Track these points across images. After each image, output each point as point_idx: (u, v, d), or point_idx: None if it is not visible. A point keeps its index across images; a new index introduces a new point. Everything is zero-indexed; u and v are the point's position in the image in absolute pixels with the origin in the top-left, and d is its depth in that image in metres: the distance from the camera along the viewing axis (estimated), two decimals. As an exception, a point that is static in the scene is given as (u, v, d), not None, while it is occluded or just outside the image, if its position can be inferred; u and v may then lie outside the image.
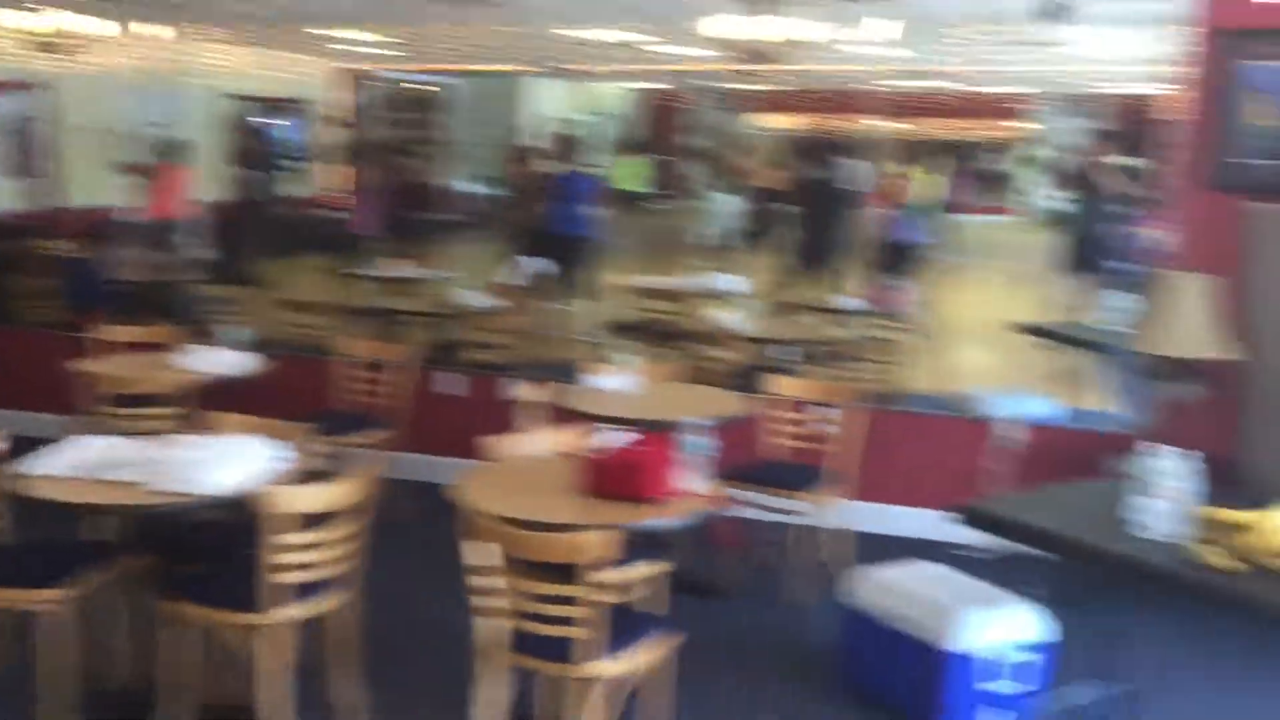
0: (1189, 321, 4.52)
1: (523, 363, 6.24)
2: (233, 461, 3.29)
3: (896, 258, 8.15)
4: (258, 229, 9.88)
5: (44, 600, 3.28)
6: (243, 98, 12.38)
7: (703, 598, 4.51)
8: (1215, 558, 2.91)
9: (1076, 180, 7.32)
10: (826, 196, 7.60)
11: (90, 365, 4.82)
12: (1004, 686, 3.57)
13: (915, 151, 9.24)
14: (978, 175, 9.90)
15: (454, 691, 3.42)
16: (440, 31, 9.39)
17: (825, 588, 4.39)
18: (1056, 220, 8.34)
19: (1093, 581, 3.57)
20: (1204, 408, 4.76)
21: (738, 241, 9.60)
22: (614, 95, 14.79)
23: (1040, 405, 5.57)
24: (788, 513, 4.69)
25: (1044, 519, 3.38)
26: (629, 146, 13.98)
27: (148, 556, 3.45)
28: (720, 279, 7.71)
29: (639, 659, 3.07)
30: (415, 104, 14.22)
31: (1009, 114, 8.86)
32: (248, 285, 8.10)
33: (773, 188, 8.37)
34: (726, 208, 9.81)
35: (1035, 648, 3.60)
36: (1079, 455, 4.78)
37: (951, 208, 9.31)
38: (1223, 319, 4.52)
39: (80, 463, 3.36)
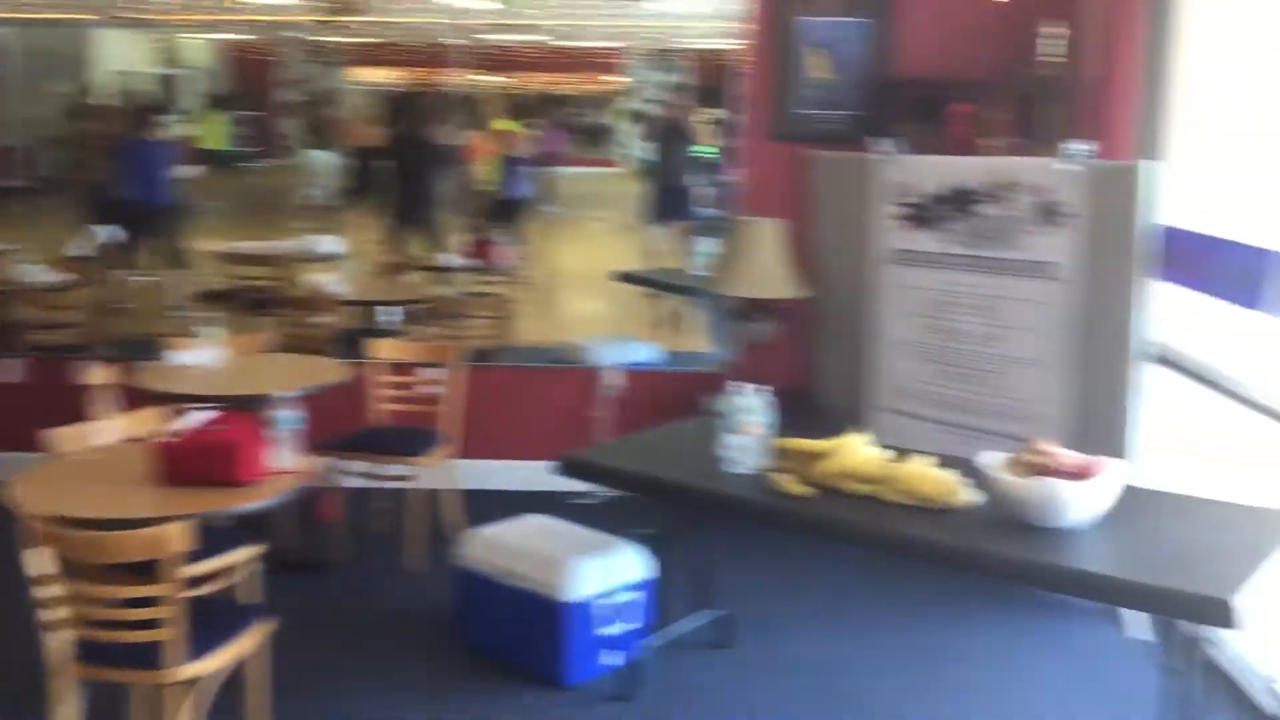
0: (762, 264, 4.83)
1: (97, 342, 5.68)
2: None
3: (500, 213, 8.14)
4: None
5: None
6: None
7: (307, 574, 4.32)
8: (790, 485, 3.11)
9: (663, 132, 7.62)
10: (422, 153, 7.45)
11: None
12: (616, 628, 3.67)
13: (514, 106, 9.27)
14: (579, 129, 10.10)
15: (31, 697, 3.05)
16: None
17: (442, 552, 4.32)
18: (648, 171, 8.64)
19: (691, 517, 3.74)
20: (782, 345, 5.12)
21: (337, 201, 9.24)
22: (196, 48, 13.75)
23: (643, 351, 5.78)
24: (399, 478, 4.58)
25: (639, 463, 3.49)
26: (212, 102, 13.07)
27: None
28: (318, 241, 7.38)
29: (231, 653, 2.86)
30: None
31: (606, 69, 9.04)
32: None
33: (368, 144, 8.10)
34: (323, 166, 9.40)
35: (640, 586, 3.72)
36: (679, 396, 5.00)
37: (552, 161, 9.44)
38: (792, 260, 4.85)
39: None
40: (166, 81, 13.98)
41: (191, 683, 2.76)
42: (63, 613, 2.69)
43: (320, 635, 3.87)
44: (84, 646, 2.73)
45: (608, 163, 9.78)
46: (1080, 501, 2.77)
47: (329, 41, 10.58)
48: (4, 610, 3.54)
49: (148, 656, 2.69)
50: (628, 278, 6.92)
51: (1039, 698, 3.61)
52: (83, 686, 2.79)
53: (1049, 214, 4.11)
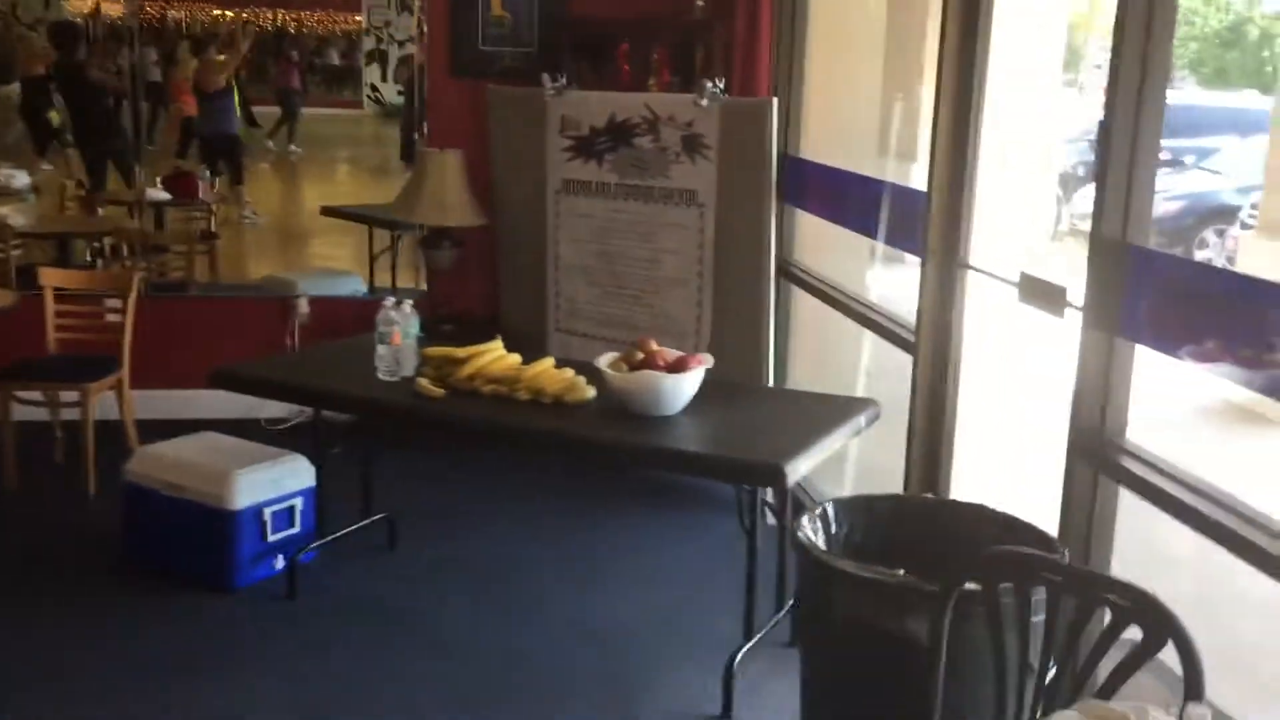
0: (444, 194, 5.05)
1: None
2: None
3: (210, 149, 8.01)
4: None
5: None
6: None
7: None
8: (429, 388, 3.38)
9: (408, 74, 7.69)
10: (85, 86, 7.24)
11: None
12: (281, 534, 3.86)
13: (247, 41, 9.03)
14: (323, 70, 9.93)
15: None
16: None
17: (115, 480, 4.37)
18: (395, 113, 8.66)
19: (356, 432, 3.96)
20: (471, 273, 5.37)
21: (32, 135, 8.83)
22: None
23: (346, 284, 5.91)
24: (72, 405, 4.58)
25: (295, 375, 3.67)
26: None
27: None
28: (10, 174, 7.09)
29: None
30: None
31: (353, 7, 8.92)
32: None
33: (40, 76, 7.78)
34: (10, 98, 8.94)
35: (304, 494, 3.92)
36: (367, 323, 5.18)
37: (285, 99, 9.28)
38: (473, 190, 5.10)
39: None
40: None
41: None
42: None
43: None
44: None
45: (354, 104, 9.70)
46: (674, 391, 3.16)
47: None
48: None
49: None
50: (330, 212, 7.01)
51: (679, 579, 4.03)
52: None
53: (691, 146, 4.51)
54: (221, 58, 8.42)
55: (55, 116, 8.30)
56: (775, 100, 4.34)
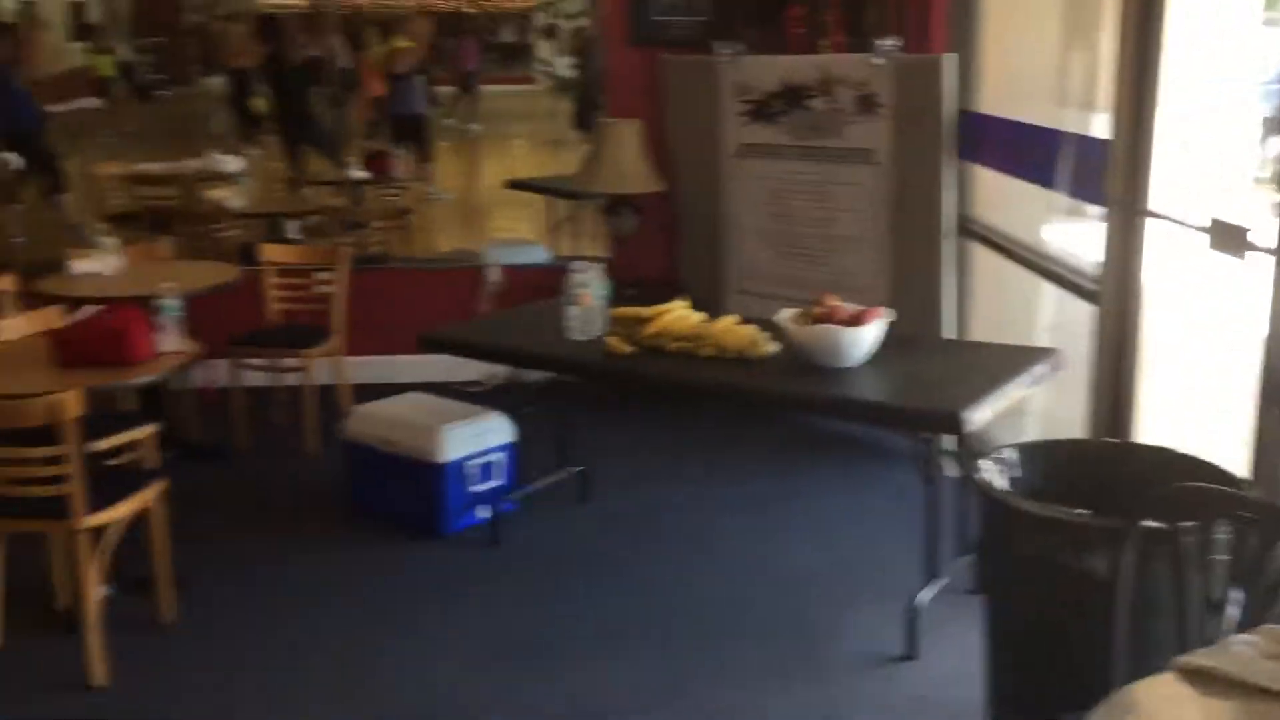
0: (623, 162, 5.25)
1: (3, 260, 5.95)
2: None
3: (397, 128, 8.42)
4: None
5: None
6: None
7: (210, 461, 4.72)
8: (618, 346, 3.57)
9: (580, 46, 7.91)
10: (291, 73, 7.71)
11: None
12: (484, 486, 4.14)
13: (430, 23, 9.42)
14: (497, 46, 10.29)
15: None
16: None
17: (333, 437, 4.75)
18: (569, 86, 8.91)
19: (548, 391, 4.20)
20: (649, 239, 5.56)
21: (236, 124, 9.45)
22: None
23: (531, 253, 6.19)
24: (292, 370, 4.99)
25: (492, 336, 3.93)
26: (103, 28, 12.98)
27: None
28: (220, 160, 7.64)
29: (130, 506, 3.29)
30: None
31: None
32: None
33: (250, 66, 8.32)
34: (220, 89, 9.59)
35: (504, 449, 4.20)
36: (556, 290, 5.43)
37: (464, 78, 9.68)
38: (651, 158, 5.28)
39: None
40: (77, 8, 13.84)
41: (97, 531, 3.18)
42: (-23, 476, 3.09)
43: (221, 506, 4.31)
44: (1, 502, 3.13)
45: (527, 80, 10.00)
46: (853, 343, 3.27)
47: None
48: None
49: (56, 509, 3.10)
50: (516, 185, 7.30)
51: (858, 527, 4.15)
52: (4, 538, 3.20)
53: (866, 105, 4.57)
54: (406, 42, 8.82)
55: (259, 104, 8.88)
56: (951, 56, 4.36)
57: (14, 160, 7.35)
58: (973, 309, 4.87)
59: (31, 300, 4.40)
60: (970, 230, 4.64)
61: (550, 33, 9.14)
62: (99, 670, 3.17)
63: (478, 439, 4.14)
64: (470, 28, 10.37)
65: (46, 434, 3.06)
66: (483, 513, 4.13)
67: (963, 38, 4.68)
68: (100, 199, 7.92)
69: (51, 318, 3.84)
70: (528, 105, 10.44)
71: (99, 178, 8.17)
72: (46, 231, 7.20)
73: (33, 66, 8.17)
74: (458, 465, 4.08)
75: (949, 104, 4.36)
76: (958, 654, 3.20)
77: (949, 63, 4.35)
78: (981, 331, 4.77)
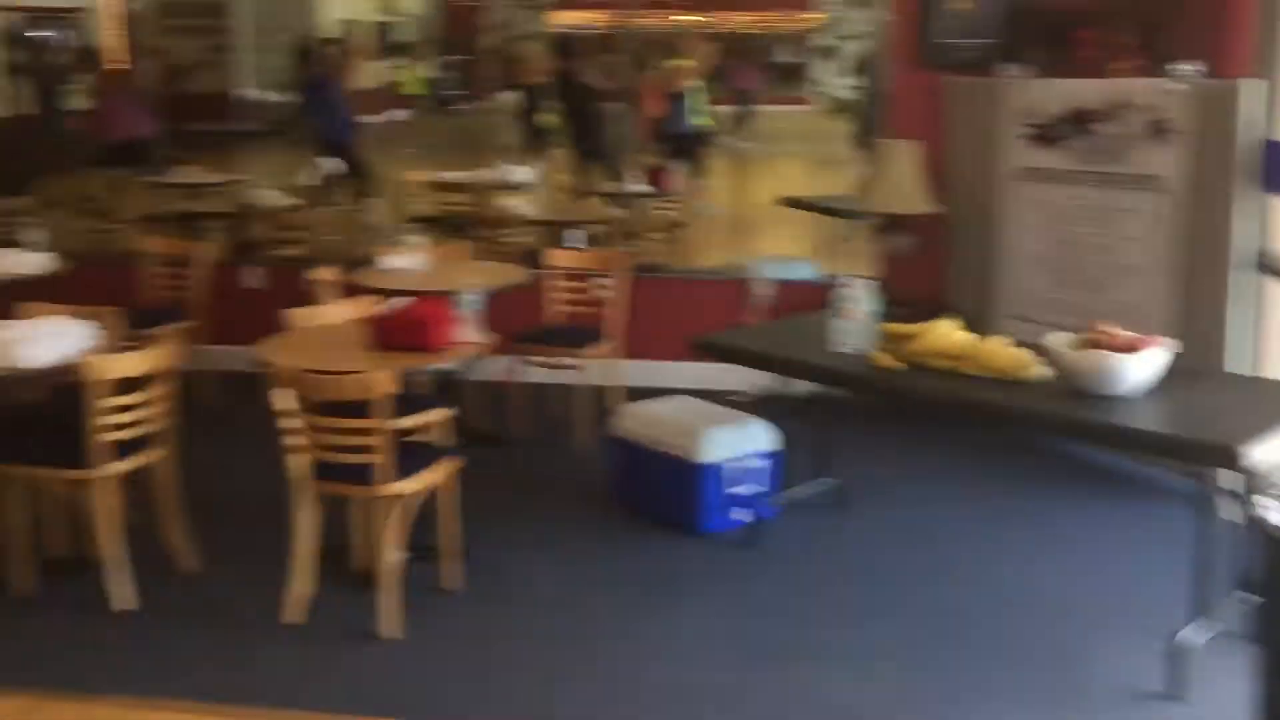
0: (900, 183, 5.29)
1: (321, 256, 6.59)
2: (49, 339, 3.65)
3: (676, 145, 8.72)
4: (39, 142, 9.74)
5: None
6: (14, 9, 11.95)
7: (491, 446, 5.08)
8: (884, 360, 3.64)
9: (861, 67, 7.97)
10: (578, 91, 8.13)
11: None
12: (744, 489, 4.29)
13: (711, 45, 9.69)
14: (774, 67, 10.49)
15: (274, 528, 3.90)
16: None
17: (602, 434, 5.03)
18: (845, 107, 8.99)
19: (810, 403, 4.31)
20: (921, 258, 5.56)
21: (526, 137, 10.03)
22: (405, -4, 14.76)
23: (800, 269, 6.30)
24: (569, 368, 5.30)
25: (761, 344, 4.07)
26: (413, 48, 14.01)
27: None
28: (511, 171, 8.17)
29: (428, 478, 3.63)
30: (195, 9, 13.88)
31: (806, 6, 9.34)
32: (34, 196, 8.10)
33: (539, 84, 8.82)
34: (514, 106, 10.21)
35: (766, 455, 4.32)
36: (821, 304, 5.53)
37: (741, 98, 9.92)
38: (927, 179, 5.29)
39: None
40: (380, 28, 15.06)
41: (397, 498, 3.53)
42: (301, 440, 3.49)
43: (500, 489, 4.64)
44: (318, 467, 3.53)
45: (802, 100, 10.11)
46: (1127, 371, 3.20)
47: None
48: (249, 463, 4.43)
49: (364, 476, 3.47)
50: (790, 203, 7.42)
51: (1119, 559, 4.02)
52: (317, 499, 3.60)
53: (1158, 131, 4.43)
54: (686, 61, 9.11)
55: (548, 119, 9.40)
56: (1257, 82, 4.17)
57: (333, 166, 8.12)
58: (1267, 347, 4.62)
59: (348, 290, 4.89)
60: (1270, 266, 4.41)
61: (828, 54, 9.19)
62: (390, 624, 3.52)
63: (740, 443, 4.30)
64: (749, 48, 10.55)
65: (360, 408, 3.43)
66: (740, 515, 4.28)
67: (1270, 62, 4.46)
68: (404, 203, 8.61)
69: (366, 306, 4.26)
70: (801, 125, 10.53)
71: (404, 184, 8.90)
72: (357, 230, 7.91)
73: (349, 81, 8.98)
74: (718, 467, 4.24)
75: (1251, 132, 4.17)
76: (1226, 700, 3.08)
77: (1253, 88, 4.17)
78: (1277, 371, 4.52)
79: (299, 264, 6.34)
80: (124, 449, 3.64)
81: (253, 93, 14.49)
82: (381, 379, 3.36)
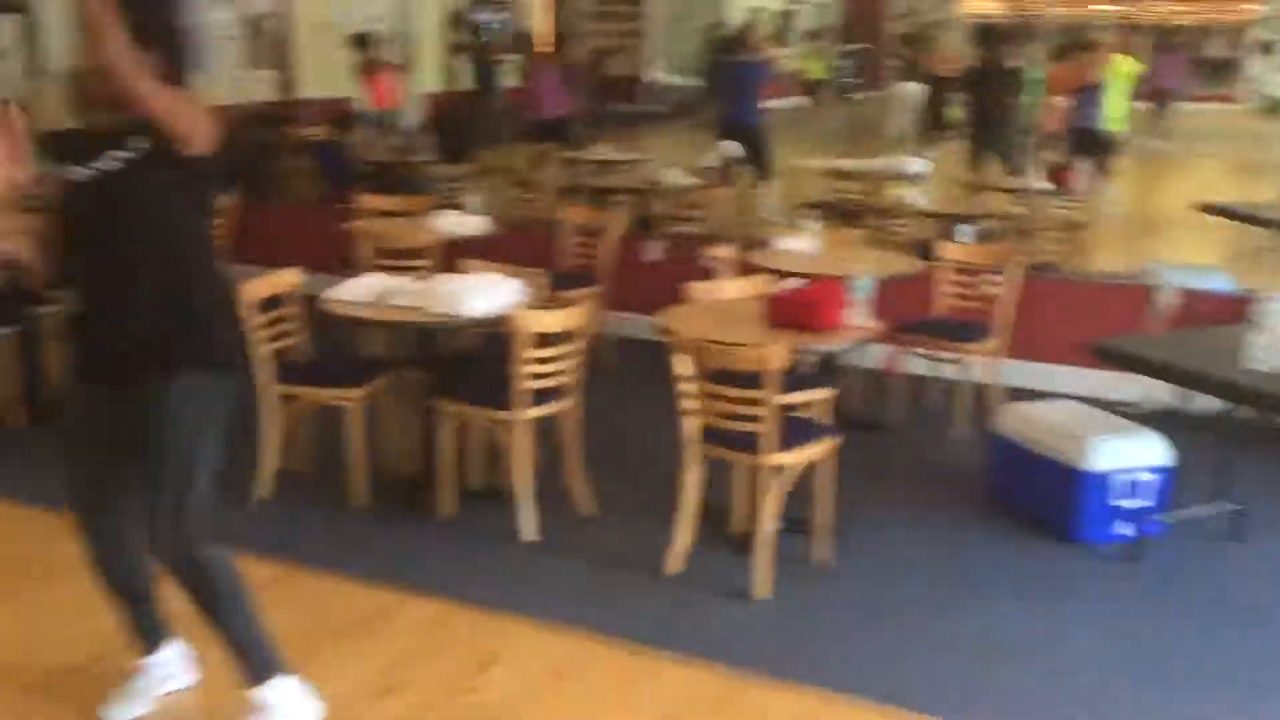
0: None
1: (717, 234, 6.90)
2: (486, 293, 4.12)
3: (1083, 142, 8.36)
4: (478, 116, 10.78)
5: (347, 398, 4.24)
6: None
7: (866, 431, 5.15)
8: (1308, 381, 3.38)
9: None
10: (994, 81, 7.90)
11: (359, 227, 5.78)
12: (1131, 503, 4.12)
13: (1134, 36, 9.20)
14: (1202, 61, 9.78)
15: (661, 484, 4.19)
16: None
17: (981, 429, 4.97)
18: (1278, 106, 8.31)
19: (1213, 420, 4.06)
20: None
21: (925, 127, 9.93)
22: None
23: (1213, 279, 5.90)
24: (951, 362, 5.28)
25: (1166, 353, 3.89)
26: (819, 35, 14.18)
27: (418, 367, 4.36)
28: (906, 162, 8.15)
29: (808, 454, 3.78)
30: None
31: None
32: (471, 165, 9.00)
33: (949, 75, 8.68)
34: (913, 97, 10.13)
35: (1158, 470, 4.12)
36: (1233, 318, 5.15)
37: (1163, 94, 9.33)
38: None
39: (366, 293, 4.26)
40: (785, 16, 15.39)
41: (779, 469, 3.71)
42: (694, 405, 3.74)
43: (874, 473, 4.72)
44: (707, 431, 3.77)
45: (1226, 98, 9.43)
46: None
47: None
48: (644, 420, 4.78)
49: (750, 444, 3.67)
50: (1210, 209, 6.94)
51: None
52: (704, 462, 3.85)
53: None
54: (1102, 54, 8.67)
55: (952, 110, 9.27)
56: None
57: (733, 149, 8.44)
58: None
59: (743, 268, 5.12)
60: None
61: (1269, 49, 8.49)
62: (762, 586, 3.72)
63: (1130, 455, 4.13)
64: (1175, 41, 9.86)
65: (750, 380, 3.63)
66: (1124, 529, 4.12)
67: None
68: (798, 188, 8.81)
69: (761, 284, 4.47)
70: (1226, 125, 9.73)
71: (799, 170, 9.10)
72: (753, 212, 8.20)
73: (762, 67, 9.23)
74: (1104, 477, 4.10)
75: None
76: None
77: None
78: None
79: (695, 240, 6.69)
80: (540, 397, 4.05)
81: (661, 76, 15.28)
82: (775, 353, 3.54)
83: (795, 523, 3.98)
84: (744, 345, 3.67)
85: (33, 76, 9.20)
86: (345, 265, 5.63)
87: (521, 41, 11.94)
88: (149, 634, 3.01)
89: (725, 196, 7.69)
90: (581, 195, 7.96)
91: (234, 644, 2.82)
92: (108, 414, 2.72)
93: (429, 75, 12.16)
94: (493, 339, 4.15)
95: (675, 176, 7.82)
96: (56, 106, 7.81)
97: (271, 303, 4.32)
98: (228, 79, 9.40)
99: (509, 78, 11.81)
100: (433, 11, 12.62)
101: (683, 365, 3.72)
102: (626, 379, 5.81)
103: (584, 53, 11.26)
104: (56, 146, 2.71)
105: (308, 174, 8.58)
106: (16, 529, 4.18)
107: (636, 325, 6.28)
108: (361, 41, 10.23)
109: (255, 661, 2.85)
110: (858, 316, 4.04)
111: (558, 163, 8.94)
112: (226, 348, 2.77)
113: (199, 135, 2.53)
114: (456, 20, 13.33)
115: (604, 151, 9.29)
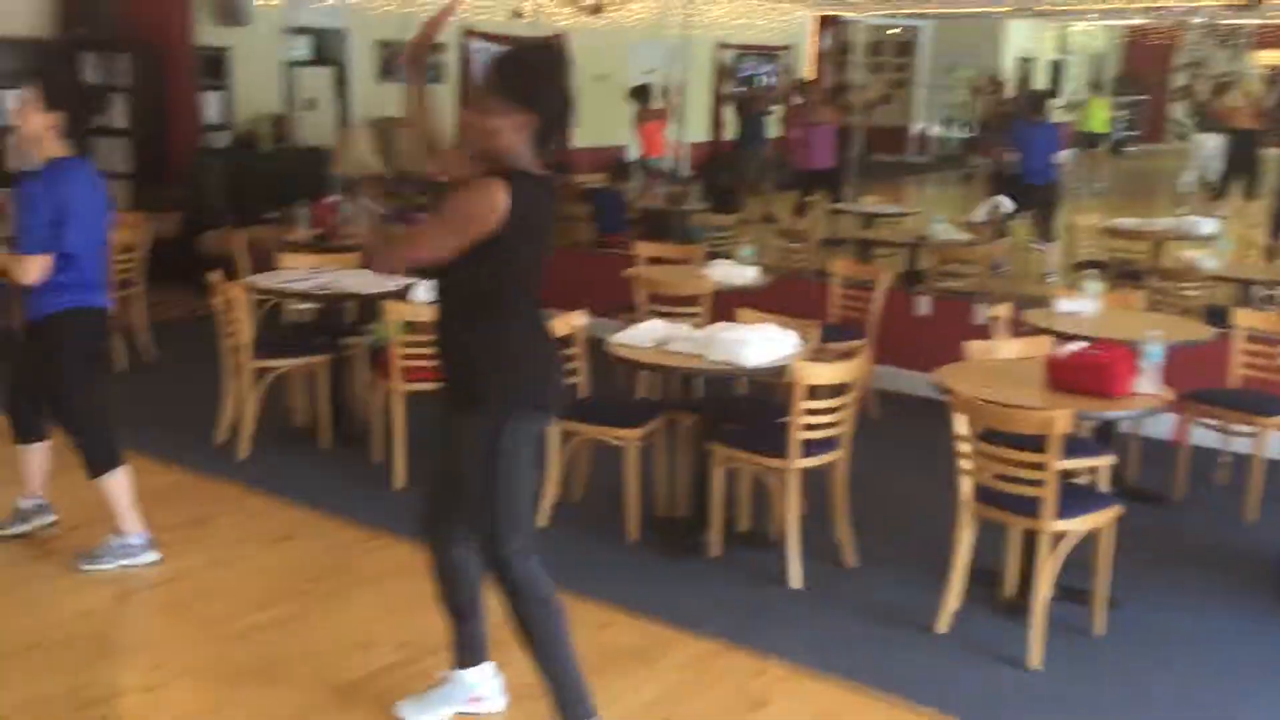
0: None
1: (987, 291, 6.79)
2: (765, 343, 4.23)
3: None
4: (745, 166, 11.01)
5: (624, 437, 4.44)
6: (731, 46, 13.62)
7: (1146, 502, 4.93)
8: None
9: None
10: None
11: (636, 273, 6.02)
12: None
13: None
14: None
15: (924, 540, 4.16)
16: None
17: (1274, 507, 4.67)
18: None
19: None
20: None
21: (1215, 183, 9.42)
22: (1086, 34, 14.51)
23: None
24: (1247, 436, 4.99)
25: None
26: (1099, 87, 13.69)
27: (693, 412, 4.51)
28: (1197, 222, 7.75)
29: (1089, 522, 3.68)
30: (887, 47, 14.80)
31: None
32: (739, 214, 9.20)
33: (1251, 128, 8.20)
34: (1206, 149, 9.63)
35: None
36: None
37: None
38: None
39: (648, 338, 4.45)
40: (1056, 67, 15.03)
41: (1058, 536, 3.63)
42: (971, 465, 3.72)
43: (1156, 547, 4.51)
44: (982, 492, 3.74)
45: None
46: None
47: (1238, 24, 10.65)
48: (912, 476, 4.74)
49: (1029, 508, 3.61)
50: None
51: None
52: (978, 522, 3.80)
53: None
54: None
55: (1253, 166, 8.77)
56: None
57: (1005, 204, 8.28)
58: None
59: (1018, 328, 5.03)
60: None
61: None
62: (1035, 654, 3.63)
63: None
64: None
65: (1028, 442, 3.57)
66: None
67: None
68: (1073, 246, 8.54)
69: (1042, 345, 4.38)
70: None
71: (1074, 228, 8.83)
72: (1027, 270, 8.00)
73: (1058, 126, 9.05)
74: None
75: None
76: None
77: None
78: None
79: (964, 296, 6.60)
80: (812, 447, 4.11)
81: (928, 127, 15.14)
82: (1061, 417, 3.48)
83: (1070, 592, 3.88)
84: (1028, 408, 3.63)
85: (341, 124, 10.07)
86: (625, 310, 5.88)
87: (789, 92, 12.13)
88: (465, 650, 3.20)
89: (997, 252, 7.55)
90: (847, 246, 8.00)
91: (547, 674, 2.96)
92: (443, 434, 2.97)
93: (697, 125, 12.52)
94: (763, 387, 4.25)
95: (945, 230, 7.74)
96: (364, 150, 8.49)
97: (562, 342, 4.58)
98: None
99: (774, 128, 12.01)
100: (703, 63, 13.01)
101: (961, 424, 3.70)
102: (891, 432, 5.78)
103: (853, 103, 11.32)
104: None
105: (584, 219, 8.98)
106: (326, 537, 4.58)
107: (900, 379, 6.26)
108: (642, 93, 10.68)
109: (566, 699, 2.96)
110: (1148, 384, 3.91)
111: (823, 213, 9.02)
112: (536, 387, 2.95)
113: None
114: (725, 71, 13.68)
115: (871, 203, 9.31)
